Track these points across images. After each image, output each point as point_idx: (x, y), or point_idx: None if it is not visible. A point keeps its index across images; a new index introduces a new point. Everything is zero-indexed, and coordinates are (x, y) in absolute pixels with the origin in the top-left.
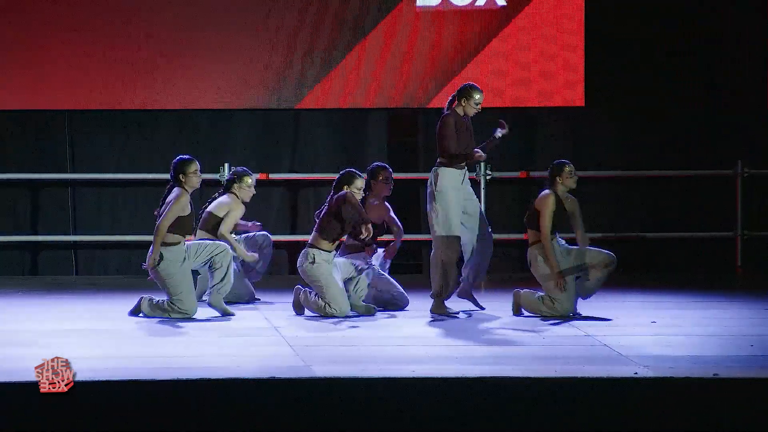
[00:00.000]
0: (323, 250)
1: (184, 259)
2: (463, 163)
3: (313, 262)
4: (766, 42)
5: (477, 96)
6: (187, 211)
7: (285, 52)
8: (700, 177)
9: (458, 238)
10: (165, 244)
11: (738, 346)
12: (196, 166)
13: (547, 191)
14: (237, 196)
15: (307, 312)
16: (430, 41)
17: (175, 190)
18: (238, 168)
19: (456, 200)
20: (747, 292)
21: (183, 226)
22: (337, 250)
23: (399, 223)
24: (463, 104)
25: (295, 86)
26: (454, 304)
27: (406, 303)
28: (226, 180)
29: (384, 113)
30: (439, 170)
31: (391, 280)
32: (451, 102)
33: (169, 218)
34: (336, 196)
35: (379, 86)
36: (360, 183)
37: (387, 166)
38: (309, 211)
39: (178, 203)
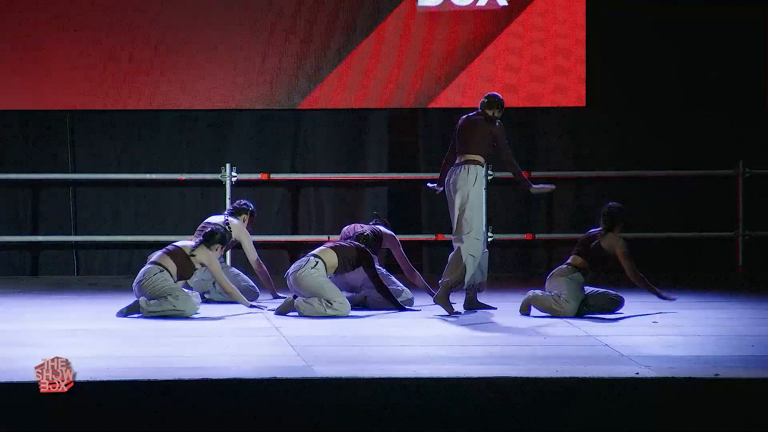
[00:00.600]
0: (326, 267)
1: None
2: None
3: (313, 268)
4: (765, 42)
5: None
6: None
7: (286, 52)
8: (701, 177)
9: (485, 238)
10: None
11: (738, 346)
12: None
13: (615, 234)
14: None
15: (300, 313)
16: (431, 41)
17: (207, 256)
18: (252, 206)
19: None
20: (747, 292)
21: (189, 273)
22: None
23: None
24: (498, 115)
25: (296, 86)
26: (457, 305)
27: (411, 303)
28: (240, 206)
29: (384, 113)
30: (479, 169)
31: (396, 281)
32: (488, 109)
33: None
34: (365, 255)
35: (380, 86)
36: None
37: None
38: (310, 211)
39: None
